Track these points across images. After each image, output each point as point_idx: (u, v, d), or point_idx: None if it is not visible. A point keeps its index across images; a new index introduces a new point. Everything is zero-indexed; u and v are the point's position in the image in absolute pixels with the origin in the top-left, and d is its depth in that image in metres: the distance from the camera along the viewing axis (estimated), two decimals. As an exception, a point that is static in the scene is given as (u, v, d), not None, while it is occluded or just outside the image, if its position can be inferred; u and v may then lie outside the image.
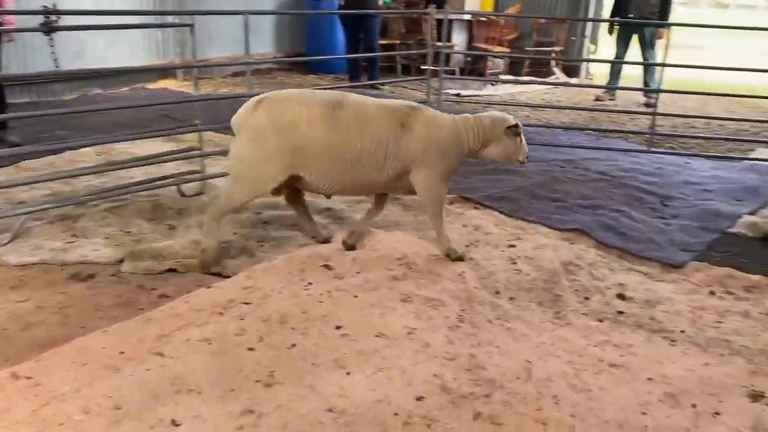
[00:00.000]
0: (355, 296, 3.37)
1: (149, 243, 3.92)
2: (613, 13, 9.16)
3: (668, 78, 6.09)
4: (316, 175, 3.47)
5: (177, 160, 4.89)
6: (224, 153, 4.41)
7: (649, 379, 2.85)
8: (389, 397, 2.56)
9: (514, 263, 3.88)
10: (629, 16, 8.78)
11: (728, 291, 3.68)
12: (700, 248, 4.23)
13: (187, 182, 4.73)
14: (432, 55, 5.84)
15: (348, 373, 2.70)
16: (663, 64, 6.06)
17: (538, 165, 5.91)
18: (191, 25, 4.42)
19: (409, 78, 7.43)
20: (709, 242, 4.33)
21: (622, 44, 8.99)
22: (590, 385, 2.79)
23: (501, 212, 4.68)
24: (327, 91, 3.60)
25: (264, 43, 10.74)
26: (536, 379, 2.79)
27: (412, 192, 3.66)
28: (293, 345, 2.89)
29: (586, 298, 3.55)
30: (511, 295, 3.54)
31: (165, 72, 9.30)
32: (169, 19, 8.19)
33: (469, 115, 3.71)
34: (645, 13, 8.75)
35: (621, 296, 3.58)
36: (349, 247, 3.81)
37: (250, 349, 2.84)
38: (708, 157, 6.39)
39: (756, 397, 2.75)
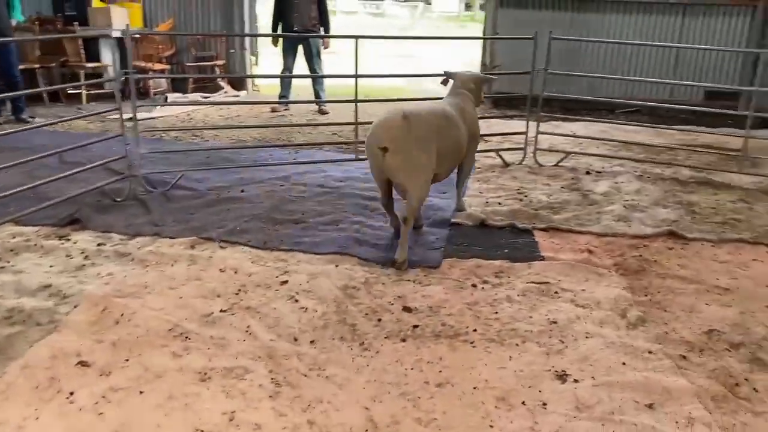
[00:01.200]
0: (141, 392, 2.71)
1: None
2: (274, 25, 9.24)
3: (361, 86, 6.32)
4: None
5: None
6: None
7: (475, 388, 2.89)
8: None
9: (296, 301, 3.60)
10: (294, 29, 8.96)
11: (484, 280, 3.98)
12: (442, 245, 4.48)
13: None
14: (121, 80, 5.05)
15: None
16: (323, 75, 6.27)
17: (259, 186, 5.64)
18: None
19: (103, 111, 6.34)
20: (445, 237, 4.62)
21: (290, 55, 9.15)
22: (432, 413, 2.72)
23: (252, 246, 4.30)
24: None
25: None
26: (384, 426, 2.60)
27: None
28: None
29: (379, 320, 3.47)
30: (311, 338, 3.26)
31: None
32: None
33: None
34: (308, 25, 9.02)
35: (407, 309, 3.59)
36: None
37: None
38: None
39: (561, 377, 2.99)
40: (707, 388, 2.93)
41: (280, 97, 9.30)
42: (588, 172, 6.57)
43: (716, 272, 4.23)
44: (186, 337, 3.18)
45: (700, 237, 4.80)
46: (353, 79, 6.12)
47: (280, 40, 9.28)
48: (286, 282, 3.84)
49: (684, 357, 3.21)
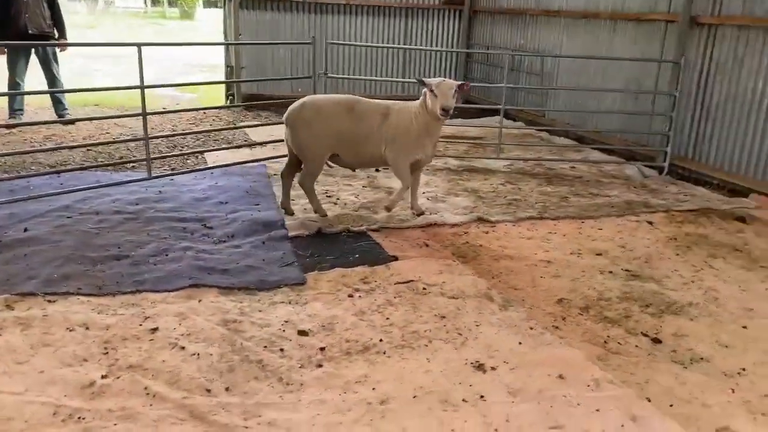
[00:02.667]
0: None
1: None
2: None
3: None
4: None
5: None
6: None
7: (415, 396, 2.94)
8: None
9: (182, 348, 3.19)
10: (28, 32, 7.56)
11: (355, 288, 4.00)
12: (294, 259, 4.36)
13: None
14: None
15: None
16: (105, 89, 5.62)
17: (43, 221, 4.77)
18: None
19: None
20: (292, 251, 4.50)
21: (22, 62, 7.73)
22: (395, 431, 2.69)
23: (87, 294, 3.64)
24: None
25: None
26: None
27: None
28: None
29: (282, 350, 3.27)
30: (224, 385, 2.94)
31: None
32: None
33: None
34: (43, 28, 7.71)
35: (302, 332, 3.46)
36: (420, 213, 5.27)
37: None
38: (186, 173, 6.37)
39: (480, 368, 3.20)
40: (589, 351, 3.40)
41: (14, 111, 7.82)
42: (377, 170, 6.90)
43: (531, 248, 4.86)
44: (80, 417, 2.59)
45: (502, 219, 5.44)
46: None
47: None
48: (155, 329, 3.35)
49: (556, 327, 3.66)
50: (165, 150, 7.31)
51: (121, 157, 6.83)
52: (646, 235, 5.27)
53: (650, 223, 5.58)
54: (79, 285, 3.75)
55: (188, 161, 6.87)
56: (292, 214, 5.21)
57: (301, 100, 5.05)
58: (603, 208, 5.88)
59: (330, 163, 5.29)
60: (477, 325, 3.60)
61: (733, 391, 3.11)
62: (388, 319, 3.64)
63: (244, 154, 7.03)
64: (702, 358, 3.40)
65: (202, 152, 7.00)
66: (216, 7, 48.24)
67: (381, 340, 3.39)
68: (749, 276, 4.51)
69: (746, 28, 6.53)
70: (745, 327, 3.75)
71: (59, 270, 3.92)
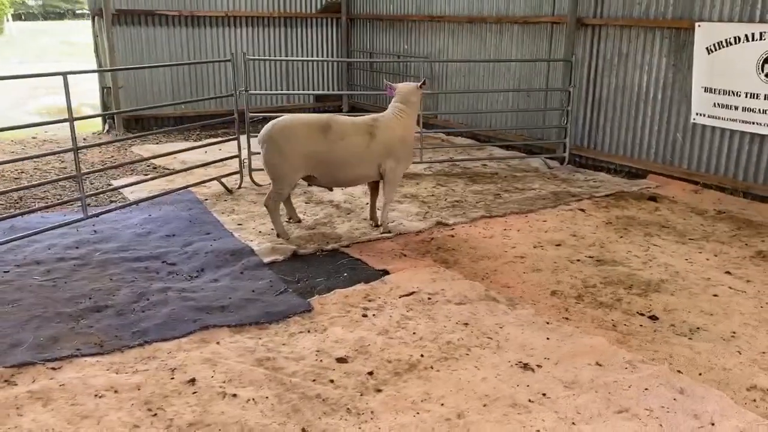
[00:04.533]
0: None
1: None
2: None
3: None
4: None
5: None
6: None
7: (485, 405, 2.98)
8: None
9: (234, 396, 2.98)
10: None
11: (365, 308, 3.95)
12: (285, 286, 4.21)
13: None
14: None
15: None
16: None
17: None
18: None
19: None
20: (277, 278, 4.33)
21: None
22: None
23: (91, 354, 3.28)
24: None
25: None
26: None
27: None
28: None
29: (332, 381, 3.16)
30: (297, 426, 2.79)
31: None
32: None
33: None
34: None
35: (341, 360, 3.36)
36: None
37: None
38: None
39: (527, 368, 3.31)
40: (607, 336, 3.64)
41: None
42: (310, 184, 6.76)
43: (498, 246, 5.06)
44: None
45: (458, 222, 5.60)
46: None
47: None
48: (192, 381, 3.07)
49: (567, 318, 3.86)
50: (69, 188, 6.61)
51: (57, 197, 6.10)
52: (586, 222, 5.69)
53: (582, 210, 6.03)
54: (76, 346, 3.33)
55: (110, 197, 6.28)
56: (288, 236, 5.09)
57: (273, 121, 4.91)
58: (537, 201, 6.25)
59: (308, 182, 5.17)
60: (500, 327, 3.70)
61: (740, 353, 3.49)
62: (414, 333, 3.62)
63: (160, 182, 6.57)
64: (698, 328, 3.77)
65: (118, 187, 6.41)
66: (21, 20, 44.07)
67: (422, 356, 3.38)
68: (686, 249, 5.05)
69: (627, 27, 7.26)
70: (715, 295, 4.20)
71: (41, 332, 3.44)
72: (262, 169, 6.95)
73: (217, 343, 3.45)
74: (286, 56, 11.04)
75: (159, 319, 3.67)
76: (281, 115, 5.04)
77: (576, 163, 7.92)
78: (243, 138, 6.60)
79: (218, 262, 4.62)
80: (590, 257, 4.86)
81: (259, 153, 6.98)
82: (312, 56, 11.37)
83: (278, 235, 5.05)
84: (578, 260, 4.80)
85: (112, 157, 8.06)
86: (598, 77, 7.66)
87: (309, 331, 3.64)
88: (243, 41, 10.64)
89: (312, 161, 4.81)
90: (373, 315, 3.84)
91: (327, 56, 11.60)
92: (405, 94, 5.13)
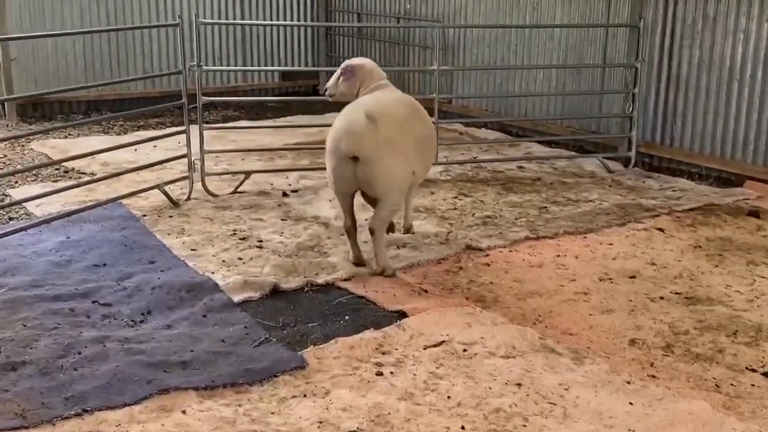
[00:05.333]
0: None
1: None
2: None
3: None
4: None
5: None
6: None
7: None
8: None
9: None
10: None
11: (377, 363, 4.03)
12: (265, 334, 4.30)
13: None
14: None
15: None
16: None
17: None
18: None
19: None
20: (257, 324, 4.43)
21: None
22: None
23: (12, 430, 3.31)
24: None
25: None
26: None
27: None
28: None
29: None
30: None
31: None
32: None
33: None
34: None
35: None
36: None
37: None
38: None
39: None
40: (710, 400, 3.74)
41: None
42: (285, 194, 6.88)
43: (551, 279, 5.18)
44: None
45: (494, 245, 5.72)
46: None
47: None
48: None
49: (653, 376, 3.98)
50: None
51: None
52: (666, 246, 5.83)
53: (660, 230, 6.18)
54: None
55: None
56: (365, 265, 5.30)
57: (356, 116, 5.00)
58: (599, 217, 6.40)
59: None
60: (566, 389, 3.80)
61: None
62: (450, 397, 3.71)
63: (77, 192, 6.63)
64: (831, 389, 3.89)
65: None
66: None
67: (463, 428, 3.46)
68: (805, 282, 5.20)
69: (715, -19, 7.47)
70: None
71: None
72: (219, 174, 7.16)
73: (183, 411, 3.50)
74: (242, 19, 11.18)
75: (99, 380, 3.70)
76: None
77: (646, 166, 8.11)
78: (193, 129, 6.67)
79: (170, 302, 4.67)
80: (677, 293, 4.99)
81: (215, 152, 7.13)
82: (277, 19, 11.52)
83: (383, 272, 5.19)
84: (661, 297, 4.92)
85: (5, 157, 8.11)
86: (675, 49, 7.86)
87: (305, 395, 3.70)
88: (182, 2, 10.75)
89: (419, 154, 5.31)
90: (391, 373, 3.91)
91: (298, 19, 11.76)
92: (375, 67, 5.71)
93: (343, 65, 5.76)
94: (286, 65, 11.78)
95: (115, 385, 3.68)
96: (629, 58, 8.01)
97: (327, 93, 5.87)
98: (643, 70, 7.91)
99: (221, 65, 10.97)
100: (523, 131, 9.34)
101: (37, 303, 4.60)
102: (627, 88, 8.04)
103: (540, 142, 8.92)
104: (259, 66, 11.47)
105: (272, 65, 11.67)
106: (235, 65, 11.21)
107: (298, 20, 11.79)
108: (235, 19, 11.12)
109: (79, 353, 4.00)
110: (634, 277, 5.26)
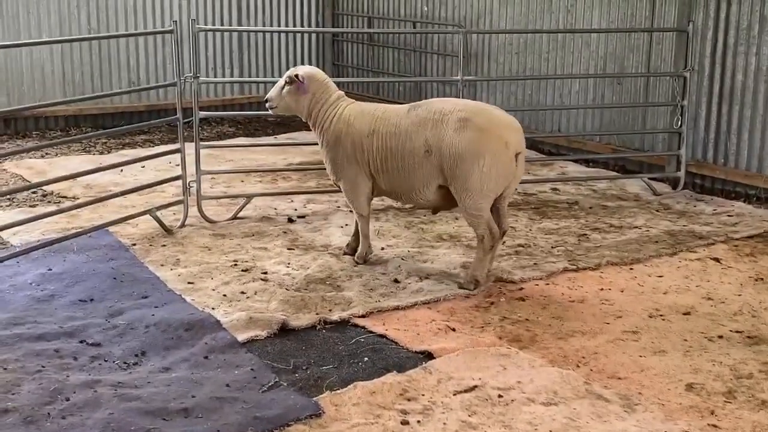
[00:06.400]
0: None
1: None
2: None
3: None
4: None
5: None
6: None
7: None
8: None
9: None
10: None
11: (403, 411, 4.06)
12: (275, 377, 4.35)
13: None
14: None
15: None
16: None
17: None
18: None
19: None
20: (267, 367, 4.46)
21: None
22: None
23: None
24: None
25: None
26: None
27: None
28: None
29: None
30: None
31: None
32: None
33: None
34: None
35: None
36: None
37: None
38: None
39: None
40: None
41: None
42: (291, 220, 6.95)
43: (595, 315, 5.23)
44: None
45: (528, 276, 5.76)
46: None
47: None
48: None
49: (715, 426, 3.99)
50: None
51: None
52: (723, 279, 5.86)
53: (716, 260, 6.21)
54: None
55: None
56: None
57: (504, 115, 5.67)
58: (646, 246, 6.44)
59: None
60: (616, 439, 3.81)
61: None
62: None
63: (58, 219, 6.72)
64: None
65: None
66: None
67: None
68: None
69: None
70: None
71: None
72: (217, 197, 7.23)
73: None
74: (239, 25, 11.31)
75: (91, 429, 3.75)
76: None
77: (697, 187, 8.15)
78: (189, 147, 6.75)
79: (167, 342, 4.72)
80: (738, 332, 5.01)
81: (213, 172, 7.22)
82: (278, 25, 11.64)
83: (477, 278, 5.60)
84: (720, 336, 4.94)
85: (-24, 178, 8.22)
86: (729, 56, 7.93)
87: (323, 440, 3.73)
88: (173, 4, 10.88)
89: None
90: (418, 422, 3.94)
91: (302, 24, 11.88)
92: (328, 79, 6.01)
93: (289, 73, 5.92)
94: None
95: (112, 436, 3.72)
96: (677, 66, 8.08)
97: (268, 105, 6.05)
98: (692, 79, 7.97)
99: (216, 76, 11.09)
100: (557, 149, 9.39)
101: (18, 343, 4.66)
102: (674, 100, 8.09)
103: (576, 161, 8.99)
104: (257, 77, 11.58)
105: (272, 76, 11.76)
106: (231, 76, 11.34)
107: (302, 25, 11.92)
108: (231, 24, 11.24)
109: (67, 399, 4.05)
110: (688, 313, 5.28)
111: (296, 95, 5.86)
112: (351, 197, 5.89)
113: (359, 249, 6.01)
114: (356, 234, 6.07)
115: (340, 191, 6.12)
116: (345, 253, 6.12)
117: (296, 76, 5.84)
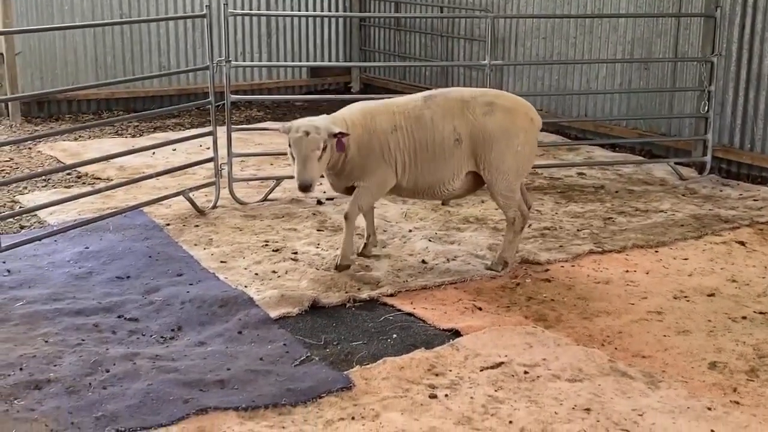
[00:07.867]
0: None
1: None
2: None
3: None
4: None
5: None
6: None
7: None
8: None
9: None
10: None
11: (430, 385, 4.19)
12: (307, 352, 4.47)
13: None
14: None
15: None
16: None
17: None
18: None
19: None
20: (298, 341, 4.59)
21: None
22: None
23: None
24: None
25: None
26: None
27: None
28: None
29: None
30: None
31: None
32: None
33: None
34: None
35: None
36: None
37: None
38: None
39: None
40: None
41: None
42: (320, 202, 7.07)
43: (620, 296, 5.31)
44: None
45: (554, 258, 5.86)
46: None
47: None
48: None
49: (737, 402, 4.08)
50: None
51: None
52: (748, 261, 5.93)
53: (742, 243, 6.28)
54: (13, 437, 3.57)
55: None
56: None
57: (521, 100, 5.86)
58: (671, 230, 6.51)
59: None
60: (639, 415, 3.92)
61: None
62: (511, 422, 3.85)
63: (93, 199, 6.88)
64: None
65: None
66: None
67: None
68: None
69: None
70: None
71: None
72: (247, 179, 7.37)
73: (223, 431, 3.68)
74: (267, 9, 11.41)
75: (131, 399, 3.90)
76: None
77: (723, 172, 8.19)
78: (220, 131, 6.88)
79: (202, 317, 4.87)
80: (761, 313, 5.08)
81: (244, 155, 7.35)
82: (305, 9, 11.73)
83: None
84: (744, 317, 5.02)
85: (11, 160, 8.37)
86: (756, 41, 7.94)
87: (353, 418, 3.86)
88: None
89: None
90: (446, 395, 4.06)
91: (329, 9, 11.97)
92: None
93: (323, 133, 5.16)
94: (315, 60, 12.00)
95: (149, 404, 3.87)
96: (704, 51, 8.11)
97: (308, 191, 5.40)
98: (719, 65, 8.01)
99: (245, 60, 11.21)
100: (584, 134, 9.46)
101: (58, 318, 4.82)
102: (701, 85, 8.13)
103: (602, 146, 9.05)
104: (285, 61, 11.70)
105: (300, 60, 11.89)
106: (260, 60, 11.45)
107: (329, 10, 12.00)
108: (259, 9, 11.34)
109: (107, 371, 4.20)
110: (712, 295, 5.36)
111: (336, 153, 5.35)
112: (370, 196, 5.64)
113: (341, 249, 5.65)
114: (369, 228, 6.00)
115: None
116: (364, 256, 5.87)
117: (339, 133, 5.23)
